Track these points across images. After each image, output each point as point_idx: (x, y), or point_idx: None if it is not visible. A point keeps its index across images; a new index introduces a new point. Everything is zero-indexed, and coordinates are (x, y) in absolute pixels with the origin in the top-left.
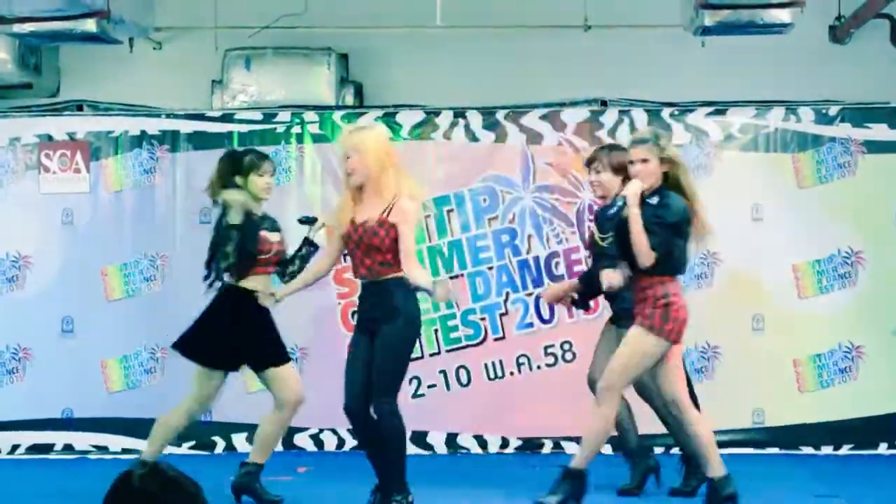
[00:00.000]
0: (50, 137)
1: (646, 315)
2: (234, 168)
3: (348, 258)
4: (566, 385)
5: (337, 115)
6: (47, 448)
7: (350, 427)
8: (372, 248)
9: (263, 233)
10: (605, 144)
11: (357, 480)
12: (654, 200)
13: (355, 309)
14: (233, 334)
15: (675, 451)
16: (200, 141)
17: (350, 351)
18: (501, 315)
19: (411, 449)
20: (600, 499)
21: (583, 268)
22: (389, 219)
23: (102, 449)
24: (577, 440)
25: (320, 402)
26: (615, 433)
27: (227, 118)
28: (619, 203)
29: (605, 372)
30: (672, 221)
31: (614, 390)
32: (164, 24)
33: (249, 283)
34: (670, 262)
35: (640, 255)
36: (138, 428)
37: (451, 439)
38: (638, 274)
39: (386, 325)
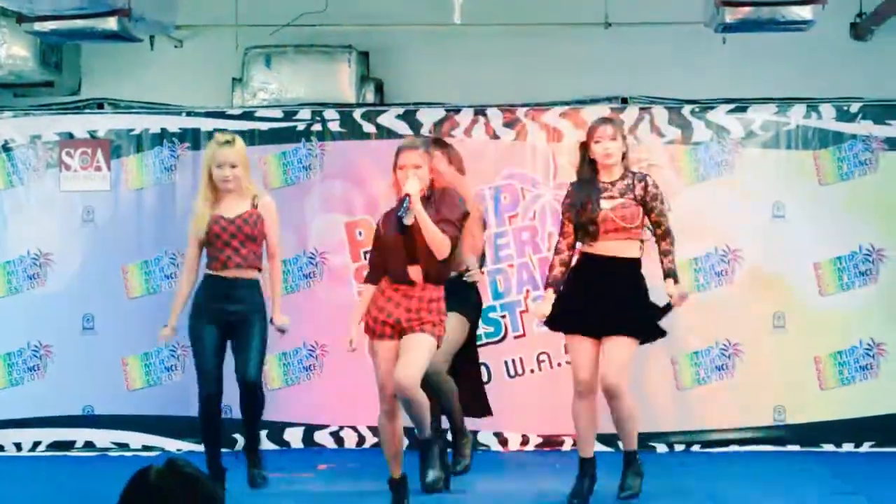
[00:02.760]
0: (71, 135)
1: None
2: None
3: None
4: None
5: (357, 113)
6: (68, 445)
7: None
8: (248, 237)
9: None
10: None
11: (376, 477)
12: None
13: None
14: None
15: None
16: None
17: (204, 342)
18: (522, 312)
19: None
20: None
21: None
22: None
23: (123, 446)
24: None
25: (341, 400)
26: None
27: (247, 116)
28: (406, 203)
29: None
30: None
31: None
32: (185, 23)
33: None
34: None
35: (437, 248)
36: (159, 425)
37: None
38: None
39: (254, 316)
